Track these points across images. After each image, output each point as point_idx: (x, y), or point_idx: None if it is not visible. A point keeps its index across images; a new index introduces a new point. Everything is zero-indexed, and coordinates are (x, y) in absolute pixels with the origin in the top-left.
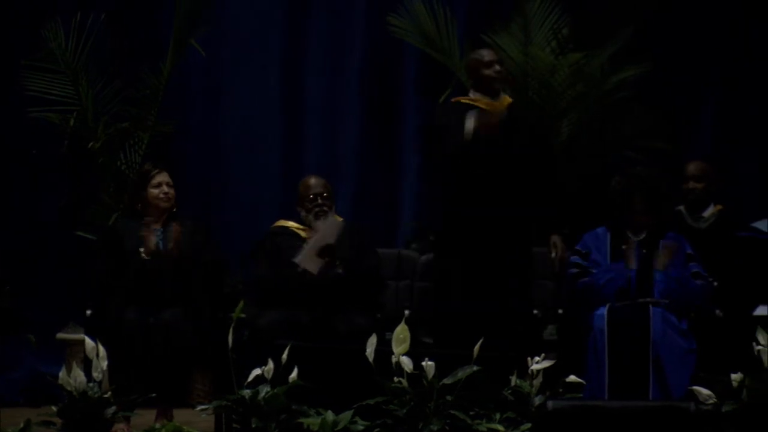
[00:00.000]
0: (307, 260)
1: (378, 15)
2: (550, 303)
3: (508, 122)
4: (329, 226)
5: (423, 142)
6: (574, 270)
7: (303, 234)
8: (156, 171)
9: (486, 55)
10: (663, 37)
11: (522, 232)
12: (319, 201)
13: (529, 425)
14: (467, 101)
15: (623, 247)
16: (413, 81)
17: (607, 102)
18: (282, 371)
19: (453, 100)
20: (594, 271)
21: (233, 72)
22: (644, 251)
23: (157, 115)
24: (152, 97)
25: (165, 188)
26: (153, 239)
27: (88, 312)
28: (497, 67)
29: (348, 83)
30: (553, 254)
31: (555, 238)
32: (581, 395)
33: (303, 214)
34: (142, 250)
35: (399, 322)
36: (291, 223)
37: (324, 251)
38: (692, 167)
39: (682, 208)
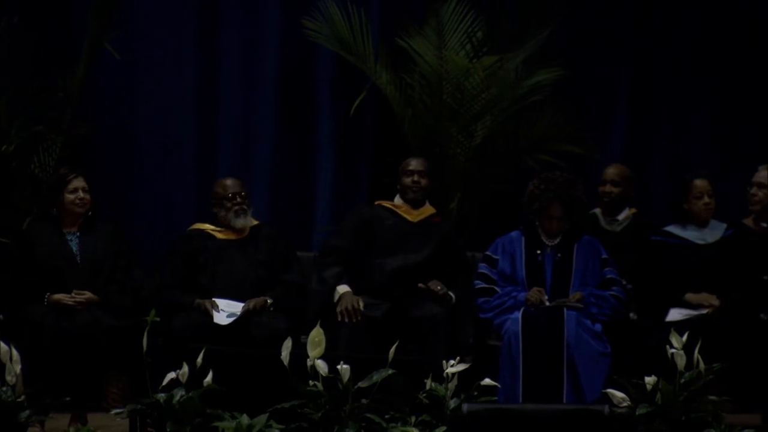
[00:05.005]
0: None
1: (292, 18)
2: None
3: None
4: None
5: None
6: (480, 283)
7: (219, 236)
8: (72, 176)
9: (412, 163)
10: (577, 41)
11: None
12: (238, 200)
13: (444, 428)
14: (389, 206)
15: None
16: (328, 84)
17: (521, 105)
18: (197, 375)
19: (375, 203)
20: (498, 290)
21: (147, 74)
22: (559, 255)
23: (71, 118)
24: (66, 100)
25: (81, 194)
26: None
27: (1, 316)
28: (415, 178)
29: (262, 86)
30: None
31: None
32: (496, 398)
33: (222, 213)
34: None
35: (314, 326)
36: (207, 226)
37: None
38: (612, 171)
39: (597, 211)
